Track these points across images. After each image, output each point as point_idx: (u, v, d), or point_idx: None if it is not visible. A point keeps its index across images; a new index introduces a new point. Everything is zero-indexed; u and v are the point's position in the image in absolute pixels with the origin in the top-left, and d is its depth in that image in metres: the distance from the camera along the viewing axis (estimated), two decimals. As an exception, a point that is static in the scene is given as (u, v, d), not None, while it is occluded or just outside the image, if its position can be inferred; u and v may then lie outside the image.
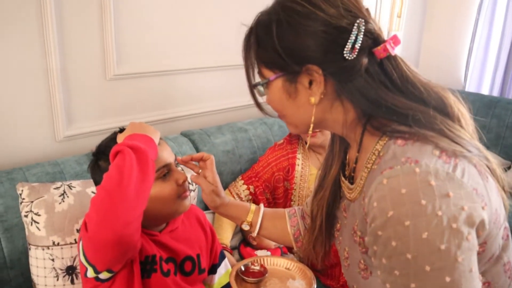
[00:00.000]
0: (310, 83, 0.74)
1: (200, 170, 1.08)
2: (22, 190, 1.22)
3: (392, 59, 0.73)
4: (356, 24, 0.70)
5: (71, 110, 1.59)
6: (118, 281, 0.96)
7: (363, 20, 0.70)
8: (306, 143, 1.75)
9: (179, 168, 1.07)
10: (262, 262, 1.10)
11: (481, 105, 2.61)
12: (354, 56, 0.70)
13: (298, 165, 1.73)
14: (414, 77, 0.74)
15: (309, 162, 1.73)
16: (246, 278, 1.02)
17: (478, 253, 0.67)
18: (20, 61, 1.42)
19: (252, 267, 1.07)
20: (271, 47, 0.74)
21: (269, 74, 0.77)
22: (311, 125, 0.78)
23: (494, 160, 0.74)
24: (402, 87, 0.72)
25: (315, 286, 1.03)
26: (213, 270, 1.23)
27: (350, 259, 0.84)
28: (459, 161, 0.66)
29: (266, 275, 1.05)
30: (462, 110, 0.74)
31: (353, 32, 0.69)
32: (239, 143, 1.86)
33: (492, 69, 2.85)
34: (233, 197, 1.72)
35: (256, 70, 0.80)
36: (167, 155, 1.02)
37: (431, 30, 3.10)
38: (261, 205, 1.11)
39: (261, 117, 2.07)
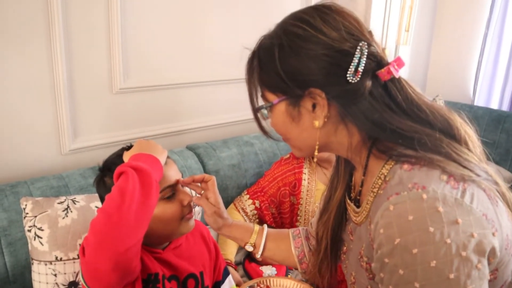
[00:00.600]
0: (314, 106, 0.73)
1: (203, 191, 1.06)
2: (26, 205, 1.22)
3: (396, 81, 0.72)
4: (358, 47, 0.69)
5: (77, 123, 1.60)
6: None
7: (365, 43, 0.69)
8: (313, 158, 1.74)
9: (186, 189, 1.06)
10: (267, 283, 1.08)
11: (490, 120, 2.58)
12: (358, 79, 0.69)
13: (305, 180, 1.71)
14: (419, 99, 0.73)
15: (315, 177, 1.72)
16: None
17: (490, 281, 0.65)
18: (27, 74, 1.43)
19: (257, 287, 1.06)
20: (274, 71, 0.73)
21: (272, 98, 0.77)
22: (316, 148, 0.77)
23: (504, 184, 0.72)
24: (407, 109, 0.71)
25: None
26: (216, 287, 1.21)
27: (357, 284, 0.82)
28: (467, 185, 0.64)
29: None
30: (469, 132, 0.73)
31: (355, 55, 0.69)
32: (245, 157, 1.85)
33: (501, 83, 2.82)
34: (238, 211, 1.70)
35: (259, 94, 0.80)
36: (173, 175, 1.01)
37: (440, 44, 3.08)
38: (265, 226, 1.10)
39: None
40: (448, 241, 0.60)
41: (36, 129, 1.50)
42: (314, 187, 1.71)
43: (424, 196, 0.62)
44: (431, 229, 0.60)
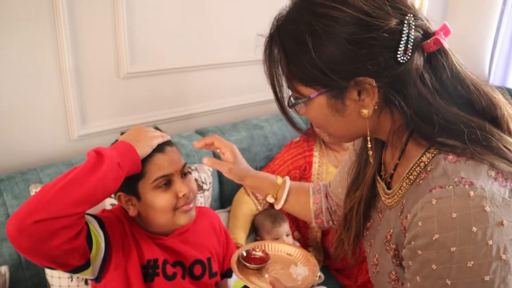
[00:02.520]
0: (359, 93, 0.66)
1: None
2: (35, 192, 1.22)
3: (442, 52, 0.66)
4: (406, 22, 0.62)
5: (85, 109, 1.59)
6: (111, 283, 0.97)
7: (412, 15, 0.63)
8: (323, 140, 1.71)
9: (192, 180, 1.05)
10: (264, 248, 1.07)
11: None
12: (408, 57, 0.62)
13: (315, 163, 1.69)
14: (464, 73, 0.67)
15: (326, 160, 1.69)
16: (248, 264, 0.99)
17: None
18: (33, 61, 1.41)
19: (254, 253, 1.04)
20: (309, 64, 0.64)
21: (308, 92, 0.68)
22: (368, 136, 0.71)
23: None
24: (450, 86, 0.65)
25: (318, 273, 1.00)
26: (228, 274, 1.21)
27: (379, 267, 0.80)
28: None
29: (269, 261, 1.02)
30: (511, 112, 0.68)
31: (404, 32, 0.62)
32: (255, 141, 1.83)
33: (518, 61, 2.75)
34: (249, 195, 1.69)
35: (285, 85, 0.71)
36: (169, 165, 1.00)
37: (454, 22, 2.99)
38: (287, 178, 1.08)
39: (278, 113, 2.03)
40: (490, 242, 0.57)
41: (45, 116, 1.49)
42: (325, 170, 1.68)
43: (472, 193, 0.59)
44: (474, 229, 0.58)
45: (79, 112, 1.56)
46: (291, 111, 0.76)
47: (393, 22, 0.61)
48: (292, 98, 0.73)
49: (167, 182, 1.00)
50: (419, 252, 0.62)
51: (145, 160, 0.97)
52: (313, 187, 1.08)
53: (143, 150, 0.95)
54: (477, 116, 0.65)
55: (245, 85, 2.01)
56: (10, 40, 1.35)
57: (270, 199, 1.06)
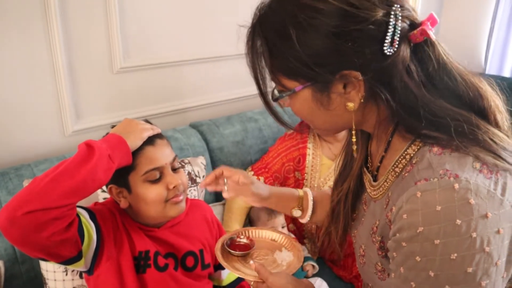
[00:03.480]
0: (344, 86, 0.65)
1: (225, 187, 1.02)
2: (28, 187, 1.23)
3: (429, 43, 0.65)
4: (392, 13, 0.60)
5: (79, 105, 1.59)
6: (103, 275, 0.98)
7: (398, 6, 0.61)
8: (317, 132, 1.72)
9: (184, 173, 1.06)
10: (248, 234, 1.06)
11: (503, 89, 2.49)
12: (395, 49, 0.61)
13: (309, 155, 1.69)
14: (451, 64, 0.66)
15: (320, 152, 1.70)
16: (233, 251, 0.99)
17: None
18: (26, 57, 1.42)
19: (238, 239, 1.03)
20: (294, 57, 0.63)
21: (293, 85, 0.67)
22: (353, 129, 0.70)
23: None
24: (437, 78, 0.64)
25: (303, 258, 0.99)
26: (222, 265, 1.22)
27: (366, 258, 0.80)
28: (499, 175, 0.61)
29: (253, 247, 1.02)
30: (498, 103, 0.68)
31: (390, 23, 0.60)
32: (249, 134, 1.83)
33: (514, 50, 2.74)
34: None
35: (268, 77, 0.70)
36: (160, 158, 1.00)
37: (450, 10, 2.98)
38: (308, 190, 1.06)
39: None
40: (474, 235, 0.57)
41: (38, 112, 1.50)
42: (319, 162, 1.69)
43: (456, 185, 0.58)
44: (458, 222, 0.58)
45: (73, 108, 1.57)
46: (275, 105, 0.74)
47: (380, 13, 0.60)
48: (276, 91, 0.72)
49: (157, 175, 1.00)
50: (404, 244, 0.63)
51: (136, 153, 0.98)
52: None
53: (133, 142, 0.96)
54: (464, 108, 0.65)
55: (239, 79, 2.01)
56: (2, 37, 1.36)
57: (297, 213, 1.03)
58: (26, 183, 1.25)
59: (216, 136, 1.76)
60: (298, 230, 1.75)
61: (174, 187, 1.01)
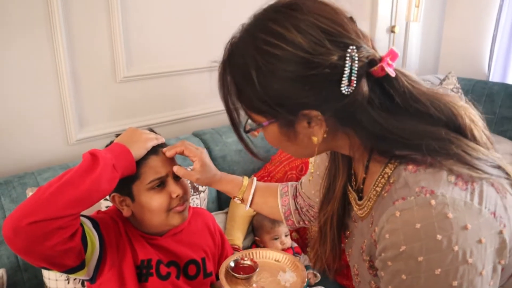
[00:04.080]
0: (309, 122, 0.66)
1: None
2: (31, 195, 1.24)
3: (391, 76, 0.65)
4: (348, 55, 0.61)
5: (83, 113, 1.61)
6: (105, 284, 0.98)
7: (354, 48, 0.61)
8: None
9: (184, 181, 1.06)
10: (252, 256, 1.07)
11: (506, 96, 2.51)
12: (353, 88, 0.62)
13: (312, 163, 1.69)
14: (418, 91, 0.67)
15: (322, 160, 1.70)
16: (237, 274, 1.00)
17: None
18: (30, 66, 1.44)
19: (242, 262, 1.05)
20: (256, 97, 0.65)
21: (261, 120, 0.68)
22: (315, 155, 0.73)
23: None
24: (406, 106, 0.66)
25: (306, 279, 1.00)
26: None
27: (360, 277, 0.81)
28: (475, 184, 0.62)
29: (257, 269, 1.02)
30: (473, 118, 0.69)
31: (346, 66, 0.61)
32: (252, 142, 1.83)
33: (517, 57, 2.73)
34: (246, 197, 1.69)
35: (241, 111, 0.71)
36: (163, 167, 1.01)
37: (452, 18, 2.99)
38: (254, 179, 1.09)
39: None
40: (456, 248, 0.58)
41: (42, 120, 1.51)
42: (321, 170, 1.69)
43: (433, 202, 0.59)
44: (439, 237, 0.58)
45: (77, 116, 1.58)
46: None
47: (335, 57, 0.61)
48: (248, 123, 0.74)
49: (161, 184, 1.01)
50: (389, 263, 0.63)
51: (140, 163, 0.98)
52: (281, 190, 1.09)
53: (137, 152, 0.96)
54: (439, 126, 0.65)
55: (242, 87, 2.02)
56: (6, 46, 1.38)
57: (237, 201, 1.08)
58: (29, 191, 1.26)
59: (219, 145, 1.76)
60: (301, 239, 1.74)
61: (177, 196, 1.01)
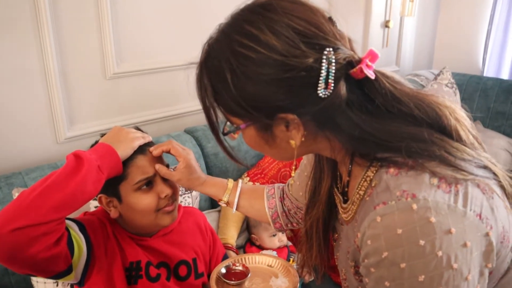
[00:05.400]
0: (287, 125, 0.65)
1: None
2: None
3: (372, 79, 0.64)
4: (324, 57, 0.59)
5: (72, 111, 1.57)
6: (94, 287, 0.95)
7: (331, 49, 0.59)
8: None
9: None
10: (243, 262, 1.06)
11: (501, 91, 2.50)
12: (330, 91, 0.60)
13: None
14: (400, 92, 0.65)
15: (316, 157, 1.68)
16: (228, 281, 0.98)
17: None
18: (17, 63, 1.40)
19: (234, 267, 1.04)
20: (232, 99, 0.63)
21: (238, 122, 0.67)
22: (294, 158, 0.71)
23: (502, 173, 0.66)
24: (388, 108, 0.64)
25: (298, 284, 0.99)
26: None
27: (348, 281, 0.79)
28: (460, 186, 0.60)
29: (249, 275, 1.01)
30: (459, 118, 0.67)
31: (323, 68, 0.59)
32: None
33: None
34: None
35: (219, 112, 0.70)
36: (151, 167, 0.98)
37: (447, 13, 2.97)
38: (239, 182, 1.07)
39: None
40: (440, 253, 0.56)
41: (30, 118, 1.48)
42: (315, 167, 1.67)
43: (414, 206, 0.57)
44: (422, 242, 0.56)
45: (66, 114, 1.55)
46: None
47: (310, 60, 0.59)
48: (227, 125, 0.72)
49: (149, 183, 0.98)
50: (372, 270, 0.62)
51: (127, 162, 0.96)
52: (267, 192, 1.07)
53: (124, 151, 0.93)
54: (422, 127, 0.64)
55: (235, 83, 1.99)
56: (-9, 43, 1.34)
57: (222, 204, 1.06)
58: (16, 192, 1.23)
59: (211, 142, 1.74)
60: (295, 237, 1.73)
61: (165, 196, 0.98)
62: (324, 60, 0.59)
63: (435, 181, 0.60)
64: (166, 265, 1.05)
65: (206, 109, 0.70)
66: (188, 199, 1.51)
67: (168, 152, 1.00)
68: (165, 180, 1.01)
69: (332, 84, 0.60)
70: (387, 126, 0.63)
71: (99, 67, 1.60)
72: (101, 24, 1.55)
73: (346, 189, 0.76)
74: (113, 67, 1.61)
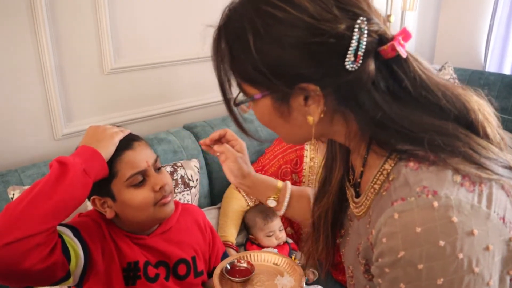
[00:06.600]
0: (306, 98, 0.61)
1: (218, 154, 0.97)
2: (13, 194, 1.19)
3: (402, 59, 0.60)
4: (356, 27, 0.55)
5: (69, 107, 1.55)
6: None
7: (364, 19, 0.56)
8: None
9: (165, 174, 1.01)
10: (249, 259, 1.03)
11: (503, 86, 2.48)
12: (358, 65, 0.56)
13: (307, 156, 1.65)
14: (429, 79, 0.61)
15: (318, 154, 1.66)
16: (232, 278, 0.96)
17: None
18: (13, 60, 1.38)
19: (239, 264, 1.01)
20: (250, 63, 0.59)
21: (253, 91, 0.63)
22: (312, 139, 0.67)
23: None
24: (415, 94, 0.60)
25: (304, 283, 0.97)
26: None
27: (355, 279, 0.76)
28: (484, 185, 0.57)
29: (254, 272, 0.98)
30: (487, 115, 0.63)
31: (354, 38, 0.55)
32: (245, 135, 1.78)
33: (514, 47, 2.70)
34: (239, 191, 1.66)
35: (233, 82, 0.66)
36: (142, 161, 0.96)
37: (448, 7, 2.94)
38: (288, 182, 1.02)
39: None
40: (461, 256, 0.53)
41: (27, 115, 1.46)
42: (316, 163, 1.65)
43: (435, 204, 0.54)
44: (441, 243, 0.53)
45: (63, 110, 1.52)
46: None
47: (342, 27, 0.55)
48: (239, 97, 0.68)
49: (141, 177, 0.96)
50: (387, 270, 0.58)
51: (115, 160, 0.94)
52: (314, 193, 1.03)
53: (106, 149, 0.91)
54: (448, 121, 0.60)
55: (235, 78, 1.97)
56: (-14, 38, 1.31)
57: (272, 203, 0.99)
58: (11, 190, 1.21)
59: (211, 138, 1.71)
60: (296, 234, 1.71)
61: (160, 188, 0.96)
62: (356, 29, 0.56)
63: (458, 178, 0.56)
64: (165, 264, 1.03)
65: (220, 77, 0.65)
66: (187, 196, 1.48)
67: (224, 136, 0.96)
68: (157, 172, 0.99)
69: (361, 57, 0.56)
70: (411, 114, 0.60)
71: (96, 63, 1.57)
72: (98, 18, 1.52)
73: (359, 180, 0.72)
74: (110, 63, 1.59)
